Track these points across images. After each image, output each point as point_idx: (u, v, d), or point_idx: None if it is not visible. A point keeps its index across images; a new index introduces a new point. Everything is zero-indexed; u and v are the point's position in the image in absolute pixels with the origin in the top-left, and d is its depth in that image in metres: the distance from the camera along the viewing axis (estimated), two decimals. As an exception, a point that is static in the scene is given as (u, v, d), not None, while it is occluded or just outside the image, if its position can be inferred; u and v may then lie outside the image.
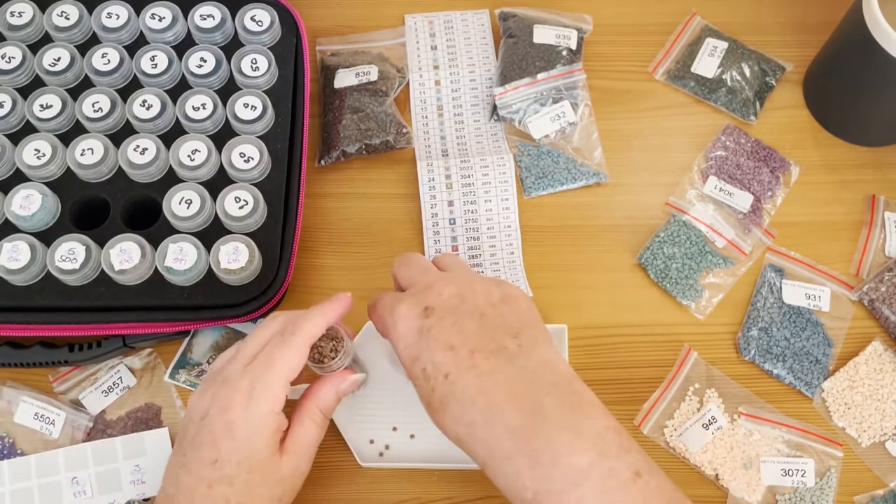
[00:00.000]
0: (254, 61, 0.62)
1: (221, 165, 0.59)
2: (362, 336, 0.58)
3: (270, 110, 0.61)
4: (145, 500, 0.54)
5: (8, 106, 0.59)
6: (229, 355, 0.49)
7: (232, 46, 0.63)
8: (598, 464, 0.40)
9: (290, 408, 0.48)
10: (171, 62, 0.61)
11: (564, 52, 0.69)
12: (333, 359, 0.49)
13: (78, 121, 0.60)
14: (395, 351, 0.46)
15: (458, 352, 0.43)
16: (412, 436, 0.57)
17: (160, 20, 0.63)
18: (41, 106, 0.59)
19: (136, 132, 0.59)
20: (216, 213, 0.57)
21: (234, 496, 0.44)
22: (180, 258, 0.55)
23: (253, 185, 0.58)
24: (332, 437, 0.57)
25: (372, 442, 0.57)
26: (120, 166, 0.58)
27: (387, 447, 0.57)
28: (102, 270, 0.55)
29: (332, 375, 0.50)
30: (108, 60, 0.61)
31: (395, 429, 0.57)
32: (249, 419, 0.45)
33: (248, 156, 0.59)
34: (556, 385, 0.43)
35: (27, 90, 0.60)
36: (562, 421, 0.41)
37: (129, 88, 0.61)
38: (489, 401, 0.42)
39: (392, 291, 0.49)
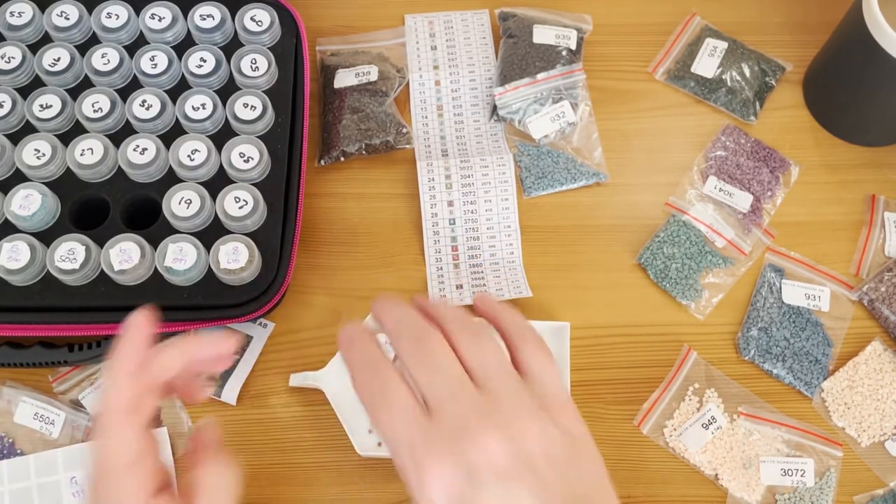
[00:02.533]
0: (253, 61, 0.62)
1: (221, 165, 0.59)
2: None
3: (270, 110, 0.61)
4: None
5: (8, 106, 0.59)
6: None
7: (232, 46, 0.63)
8: None
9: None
10: (170, 62, 0.61)
11: (564, 52, 0.69)
12: None
13: (78, 121, 0.60)
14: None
15: None
16: None
17: (160, 20, 0.62)
18: (41, 106, 0.59)
19: (135, 132, 0.59)
20: (216, 213, 0.57)
21: None
22: (180, 258, 0.55)
23: (253, 185, 0.58)
24: (331, 432, 0.57)
25: (370, 431, 0.57)
26: (120, 166, 0.58)
27: None
28: (102, 270, 0.55)
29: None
30: (108, 60, 0.61)
31: None
32: None
33: (247, 156, 0.59)
34: None
35: (27, 90, 0.60)
36: None
37: (129, 88, 0.61)
38: None
39: (401, 384, 0.38)
